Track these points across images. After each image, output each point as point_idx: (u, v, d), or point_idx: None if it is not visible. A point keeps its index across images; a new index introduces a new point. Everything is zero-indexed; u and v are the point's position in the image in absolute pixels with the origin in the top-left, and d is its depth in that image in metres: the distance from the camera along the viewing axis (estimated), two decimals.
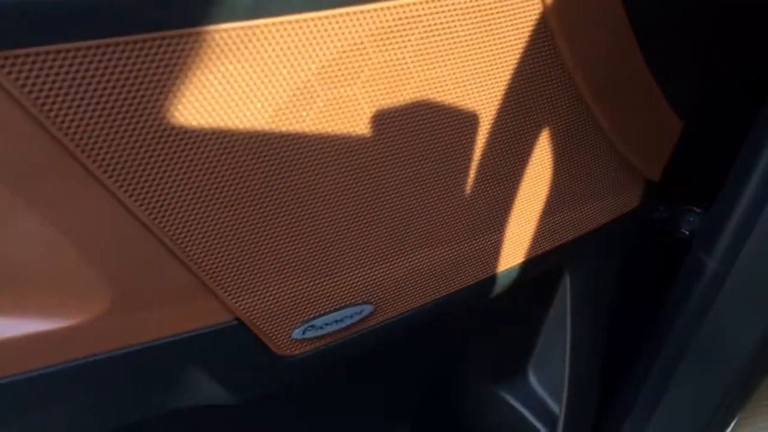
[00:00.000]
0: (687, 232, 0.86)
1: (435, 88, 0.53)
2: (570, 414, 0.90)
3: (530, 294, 0.83)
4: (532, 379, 0.95)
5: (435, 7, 0.49)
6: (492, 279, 0.71)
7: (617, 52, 0.61)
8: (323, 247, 0.57)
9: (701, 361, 0.80)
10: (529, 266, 0.72)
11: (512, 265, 0.71)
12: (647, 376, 0.86)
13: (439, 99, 0.54)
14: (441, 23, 0.50)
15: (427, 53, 0.51)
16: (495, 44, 0.54)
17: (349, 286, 0.61)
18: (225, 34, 0.43)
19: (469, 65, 0.54)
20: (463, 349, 0.94)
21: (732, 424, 0.87)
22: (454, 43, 0.52)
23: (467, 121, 0.57)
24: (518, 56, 0.56)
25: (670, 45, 0.66)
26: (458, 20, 0.51)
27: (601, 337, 0.90)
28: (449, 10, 0.50)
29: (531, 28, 0.54)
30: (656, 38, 0.63)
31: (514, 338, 0.93)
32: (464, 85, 0.54)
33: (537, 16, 0.54)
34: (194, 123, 0.45)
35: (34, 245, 0.47)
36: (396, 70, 0.51)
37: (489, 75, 0.55)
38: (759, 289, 0.72)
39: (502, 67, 0.56)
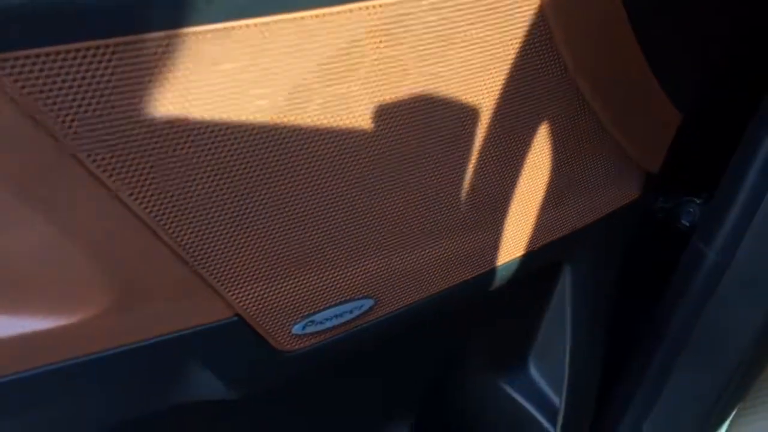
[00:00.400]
0: (687, 224, 0.86)
1: (433, 83, 0.53)
2: (570, 405, 0.91)
3: (530, 286, 0.83)
4: (533, 371, 0.95)
5: (431, 4, 0.49)
6: (492, 272, 0.71)
7: (615, 46, 0.61)
8: (323, 242, 0.57)
9: (701, 353, 0.80)
10: (528, 260, 0.73)
11: (512, 258, 0.71)
12: (648, 367, 0.86)
13: (437, 94, 0.54)
14: (438, 20, 0.50)
15: (425, 49, 0.51)
16: (493, 40, 0.54)
17: (349, 281, 0.61)
18: (223, 33, 0.43)
19: (467, 61, 0.54)
20: (464, 342, 0.94)
21: (732, 415, 0.88)
22: (452, 39, 0.52)
23: (465, 116, 0.57)
24: (516, 51, 0.56)
25: (668, 39, 0.66)
26: (456, 17, 0.51)
27: (602, 329, 0.90)
28: (446, 7, 0.50)
29: (529, 23, 0.54)
30: (655, 32, 0.63)
31: (515, 331, 0.93)
32: (462, 81, 0.54)
33: (535, 11, 0.54)
34: (193, 121, 0.46)
35: (36, 244, 0.47)
36: (394, 67, 0.51)
37: (487, 70, 0.55)
38: (759, 280, 0.72)
39: (500, 62, 0.56)
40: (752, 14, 0.73)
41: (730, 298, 0.75)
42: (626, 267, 0.88)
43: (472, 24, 0.52)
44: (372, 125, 0.53)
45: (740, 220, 0.72)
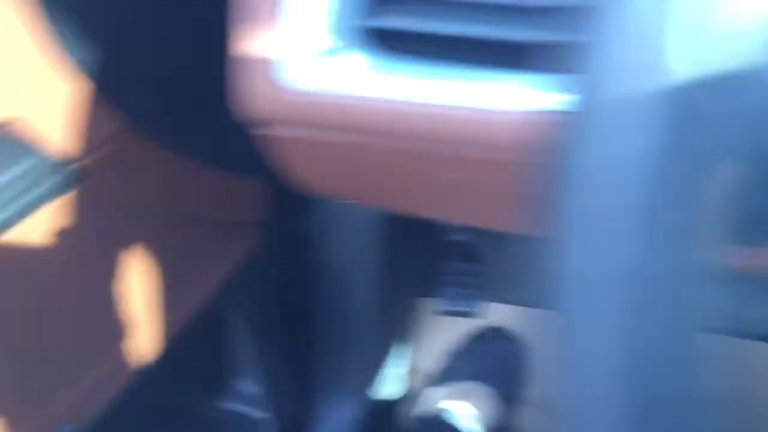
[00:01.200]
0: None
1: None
2: (278, 397, 1.13)
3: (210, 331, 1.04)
4: (242, 383, 1.13)
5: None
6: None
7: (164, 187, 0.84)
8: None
9: (346, 332, 1.09)
10: (196, 318, 0.94)
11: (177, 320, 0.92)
12: (322, 346, 1.14)
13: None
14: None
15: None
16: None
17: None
18: None
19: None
20: (171, 388, 1.07)
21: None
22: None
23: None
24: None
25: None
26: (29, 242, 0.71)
27: (286, 334, 1.13)
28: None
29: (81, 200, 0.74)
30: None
31: (218, 362, 1.11)
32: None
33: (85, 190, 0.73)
34: None
35: None
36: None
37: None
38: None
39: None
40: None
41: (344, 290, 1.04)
42: (287, 279, 1.11)
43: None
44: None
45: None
